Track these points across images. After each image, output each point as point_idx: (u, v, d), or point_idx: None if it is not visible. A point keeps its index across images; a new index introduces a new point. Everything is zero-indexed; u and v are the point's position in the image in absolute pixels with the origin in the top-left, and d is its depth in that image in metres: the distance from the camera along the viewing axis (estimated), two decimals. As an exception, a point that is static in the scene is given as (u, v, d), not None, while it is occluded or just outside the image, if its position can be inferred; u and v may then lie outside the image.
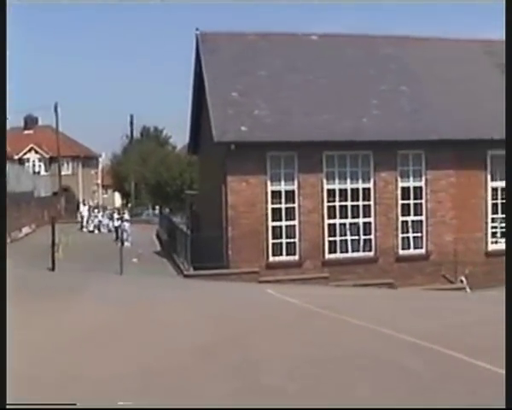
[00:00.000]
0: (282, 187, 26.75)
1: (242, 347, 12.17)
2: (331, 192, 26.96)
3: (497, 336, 13.10)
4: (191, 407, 8.56)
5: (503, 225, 27.76)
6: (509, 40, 12.10)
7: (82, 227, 51.27)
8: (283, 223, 26.82)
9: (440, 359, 11.12)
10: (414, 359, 11.08)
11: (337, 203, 26.97)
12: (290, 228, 26.85)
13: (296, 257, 26.87)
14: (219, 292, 22.08)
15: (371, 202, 27.00)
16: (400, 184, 27.19)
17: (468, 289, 25.83)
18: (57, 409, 8.23)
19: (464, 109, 28.29)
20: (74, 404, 8.36)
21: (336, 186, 26.97)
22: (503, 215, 27.59)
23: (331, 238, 26.97)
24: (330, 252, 26.96)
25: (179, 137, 77.27)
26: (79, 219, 53.83)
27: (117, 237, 37.79)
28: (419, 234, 27.49)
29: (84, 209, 55.94)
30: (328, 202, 26.92)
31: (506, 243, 22.87)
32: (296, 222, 26.82)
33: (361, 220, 27.07)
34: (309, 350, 11.86)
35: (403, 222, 27.31)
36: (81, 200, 69.57)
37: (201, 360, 11.04)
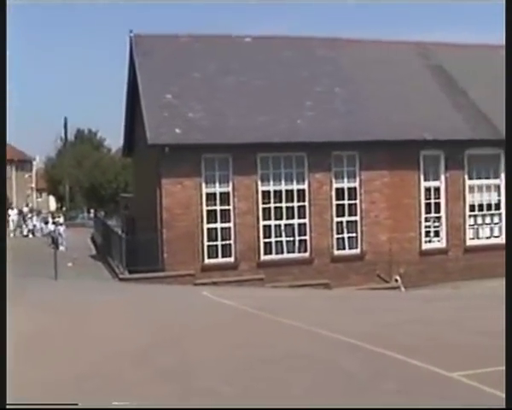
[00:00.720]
0: (217, 189, 26.70)
1: (177, 350, 12.10)
2: (266, 194, 26.99)
3: (429, 335, 13.27)
4: (191, 407, 8.56)
5: (437, 224, 28.17)
6: (509, 40, 12.15)
7: (13, 232, 50.35)
8: (218, 225, 26.77)
9: (375, 358, 11.20)
10: (349, 358, 11.14)
11: (272, 205, 27.02)
12: (225, 230, 26.81)
13: (232, 259, 26.84)
14: (154, 295, 21.95)
15: (306, 203, 27.11)
16: (335, 185, 27.34)
17: (402, 288, 26.13)
18: (57, 409, 8.23)
19: (397, 110, 28.61)
20: (76, 404, 8.36)
21: (271, 188, 27.01)
22: (436, 215, 28.01)
23: (266, 240, 27.01)
24: (266, 253, 26.99)
25: (114, 139, 76.86)
26: (10, 224, 52.75)
27: (52, 242, 37.30)
28: (354, 234, 27.69)
29: (12, 214, 54.73)
30: (263, 203, 26.95)
31: (506, 242, 23.19)
32: (231, 224, 26.79)
33: (296, 221, 27.16)
34: (245, 352, 11.85)
35: (338, 223, 27.47)
36: (13, 204, 68.49)
37: (136, 364, 10.95)
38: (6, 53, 11.50)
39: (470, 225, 28.76)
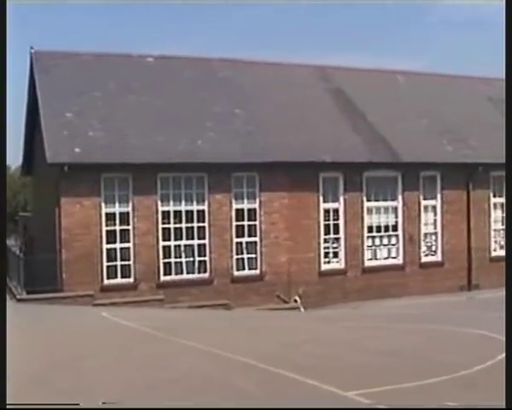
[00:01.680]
0: (117, 209, 26.42)
1: (74, 372, 11.93)
2: (166, 214, 26.85)
3: (326, 354, 13.44)
4: (191, 406, 8.43)
5: (335, 245, 28.54)
6: (510, 40, 12.29)
7: None
8: (118, 245, 26.48)
9: (272, 378, 11.27)
10: (246, 379, 11.18)
11: (172, 225, 26.89)
12: (125, 250, 26.55)
13: (131, 279, 26.59)
14: (52, 316, 21.58)
15: (206, 224, 27.08)
16: (235, 206, 27.41)
17: (301, 309, 26.35)
18: (57, 409, 8.28)
19: (297, 132, 28.91)
20: (77, 404, 8.44)
21: (171, 208, 26.89)
22: (335, 236, 28.39)
23: (166, 260, 26.85)
24: (165, 274, 26.83)
25: (13, 157, 75.14)
26: None
27: None
28: (253, 255, 27.79)
29: None
30: (163, 223, 26.79)
31: (506, 244, 23.33)
32: (131, 244, 26.54)
33: (196, 242, 27.11)
34: (142, 373, 11.76)
35: (237, 243, 27.53)
36: None
37: (31, 386, 10.74)
38: (6, 53, 11.87)
39: (368, 246, 29.22)
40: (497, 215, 31.49)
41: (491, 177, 31.01)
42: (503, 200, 31.07)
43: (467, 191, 30.43)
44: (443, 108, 32.94)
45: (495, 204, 31.39)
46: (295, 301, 26.92)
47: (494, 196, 31.24)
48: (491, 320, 20.03)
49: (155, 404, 9.57)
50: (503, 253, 31.08)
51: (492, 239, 31.36)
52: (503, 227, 31.32)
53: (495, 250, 31.36)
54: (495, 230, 31.42)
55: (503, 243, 31.44)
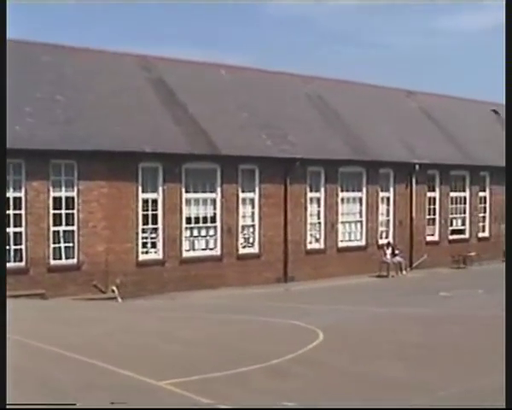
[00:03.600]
0: None
1: None
2: (-20, 201, 26.06)
3: (140, 345, 13.51)
4: (191, 406, 8.51)
5: (154, 235, 28.59)
6: (510, 40, 12.33)
7: None
8: None
9: (86, 368, 11.24)
10: (59, 369, 11.10)
11: (-13, 212, 26.14)
12: None
13: None
14: None
15: (22, 212, 26.44)
16: (52, 194, 26.87)
17: (119, 299, 26.27)
18: (57, 409, 8.24)
19: (118, 122, 28.69)
20: (74, 404, 8.33)
21: (-14, 195, 26.11)
22: (154, 226, 28.44)
23: (-20, 248, 26.07)
24: (-21, 262, 26.03)
25: None
26: None
27: None
28: (71, 244, 27.36)
29: None
30: (-22, 210, 26.01)
31: (506, 243, 23.31)
32: None
33: (12, 230, 26.39)
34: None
35: (54, 232, 27.01)
36: None
37: None
38: (6, 53, 12.17)
39: (186, 237, 29.44)
40: (313, 209, 32.50)
41: (308, 172, 31.95)
42: (319, 194, 32.22)
43: (284, 185, 31.18)
44: (264, 103, 33.65)
45: (311, 198, 32.37)
46: (113, 291, 26.81)
47: (311, 190, 32.21)
48: (304, 311, 20.78)
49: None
50: (317, 246, 32.29)
51: (308, 232, 32.30)
52: (319, 221, 32.43)
53: (310, 243, 32.35)
54: (311, 223, 32.40)
55: (318, 236, 32.52)
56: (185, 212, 29.18)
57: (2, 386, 7.94)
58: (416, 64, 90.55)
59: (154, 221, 28.58)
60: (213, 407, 9.25)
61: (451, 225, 38.40)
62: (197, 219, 29.64)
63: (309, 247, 32.25)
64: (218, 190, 29.79)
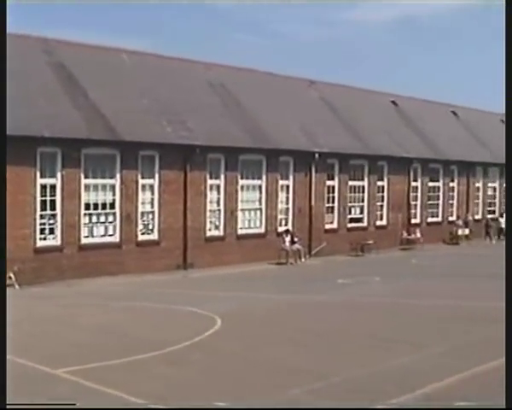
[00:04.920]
0: None
1: None
2: None
3: (37, 333, 13.38)
4: (191, 406, 8.50)
5: (52, 221, 28.17)
6: (510, 40, 12.23)
7: None
8: None
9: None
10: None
11: None
12: None
13: None
14: None
15: None
16: None
17: (16, 286, 25.84)
18: (57, 409, 8.28)
19: (17, 105, 28.00)
20: (74, 404, 8.32)
21: None
22: (52, 212, 28.03)
23: None
24: None
25: None
26: None
27: None
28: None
29: None
30: None
31: (506, 243, 22.89)
32: None
33: None
34: None
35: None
36: None
37: None
38: (6, 52, 12.20)
39: (85, 224, 29.07)
40: (213, 196, 32.53)
41: (208, 159, 31.95)
42: (219, 182, 32.31)
43: (184, 172, 31.07)
44: (165, 89, 33.46)
45: (211, 186, 32.38)
46: (10, 278, 26.32)
47: (211, 177, 32.20)
48: (203, 298, 20.92)
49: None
50: (217, 233, 32.38)
51: (208, 219, 32.31)
52: (219, 208, 32.53)
53: (210, 230, 32.37)
54: (210, 210, 32.41)
55: (217, 223, 32.61)
56: (84, 198, 28.77)
57: (2, 386, 7.94)
58: (318, 54, 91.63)
59: (53, 207, 28.12)
60: (146, 406, 9.29)
61: (350, 213, 39.00)
62: (96, 206, 29.30)
63: (208, 234, 32.27)
64: (118, 176, 29.46)
